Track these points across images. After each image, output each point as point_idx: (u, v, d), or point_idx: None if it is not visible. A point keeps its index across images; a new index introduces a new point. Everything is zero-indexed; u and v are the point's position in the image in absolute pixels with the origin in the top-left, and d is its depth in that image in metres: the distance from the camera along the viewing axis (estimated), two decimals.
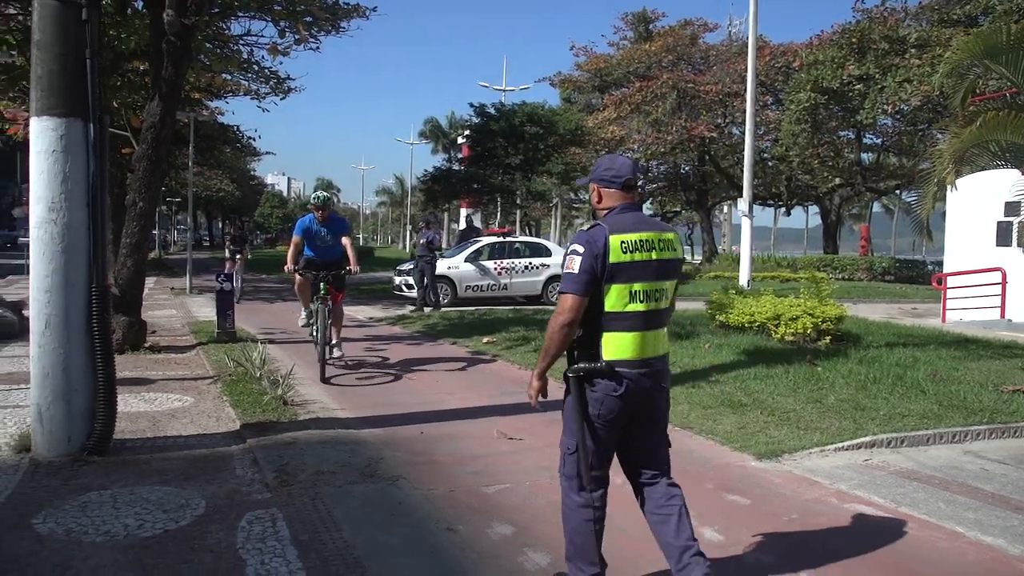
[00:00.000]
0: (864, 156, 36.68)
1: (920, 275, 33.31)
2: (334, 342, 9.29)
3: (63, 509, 4.47)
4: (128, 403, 6.89)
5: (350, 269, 9.17)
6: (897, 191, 50.81)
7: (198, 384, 8.27)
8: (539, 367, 3.45)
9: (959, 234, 17.80)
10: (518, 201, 28.44)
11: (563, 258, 3.41)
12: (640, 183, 3.58)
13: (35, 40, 5.48)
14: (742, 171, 41.57)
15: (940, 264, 36.10)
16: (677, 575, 3.39)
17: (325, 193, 9.42)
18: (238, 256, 20.08)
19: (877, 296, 24.04)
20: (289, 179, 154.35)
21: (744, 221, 24.72)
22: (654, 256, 3.34)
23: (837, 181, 36.85)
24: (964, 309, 16.16)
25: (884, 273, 33.00)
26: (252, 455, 5.63)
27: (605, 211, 3.45)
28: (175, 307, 17.11)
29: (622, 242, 3.28)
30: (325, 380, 8.51)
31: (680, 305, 16.24)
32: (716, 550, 4.22)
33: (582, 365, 3.32)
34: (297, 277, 9.29)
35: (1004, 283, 16.20)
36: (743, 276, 24.55)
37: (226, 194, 60.06)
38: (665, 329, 3.49)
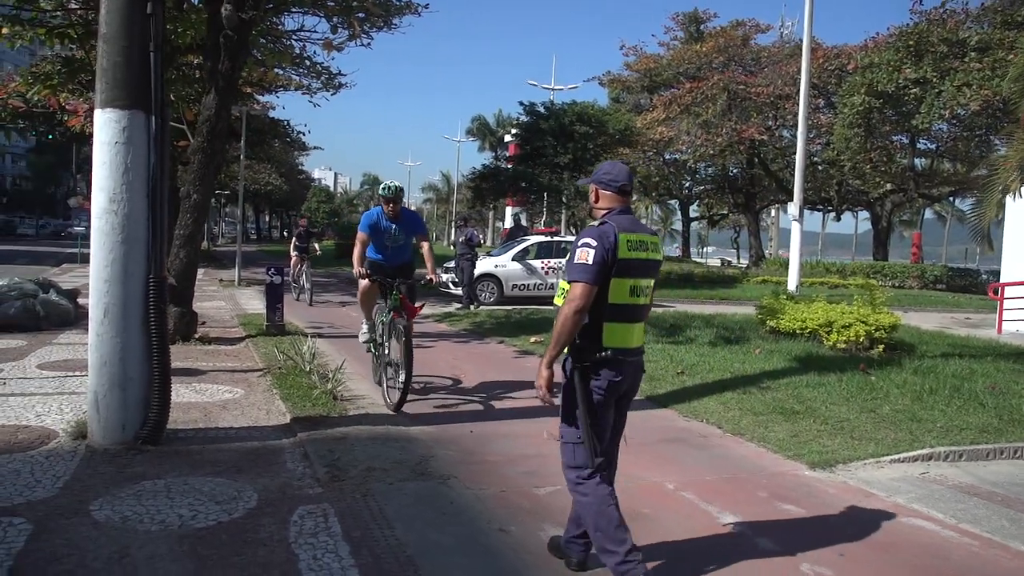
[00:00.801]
0: (917, 161, 35.92)
1: (973, 284, 32.60)
2: (400, 379, 7.03)
3: (119, 497, 4.51)
4: (180, 393, 6.96)
5: (430, 279, 7.65)
6: (950, 198, 49.93)
7: (248, 376, 8.33)
8: (548, 356, 3.62)
9: (1018, 243, 17.36)
10: (564, 200, 28.32)
11: (572, 251, 3.62)
12: (629, 187, 3.83)
13: (101, 33, 5.55)
14: (792, 175, 41.05)
15: (995, 274, 35.33)
16: (566, 539, 3.91)
17: (397, 183, 7.68)
18: (304, 255, 18.44)
19: (929, 304, 23.56)
20: (336, 174, 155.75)
21: (794, 225, 24.35)
22: (646, 256, 3.68)
23: (888, 186, 36.19)
24: (1022, 321, 15.74)
25: (936, 281, 32.36)
26: (303, 449, 5.65)
27: (603, 211, 3.77)
28: (224, 299, 17.34)
29: (627, 240, 3.58)
30: (398, 409, 6.93)
31: (728, 309, 16.12)
32: (772, 563, 4.14)
33: (586, 355, 3.60)
34: (363, 282, 7.73)
35: None
36: (792, 281, 24.19)
37: (274, 188, 60.71)
38: (643, 323, 3.85)
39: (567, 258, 3.72)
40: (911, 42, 26.69)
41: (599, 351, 3.59)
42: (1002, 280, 17.56)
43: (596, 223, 3.67)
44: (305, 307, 16.32)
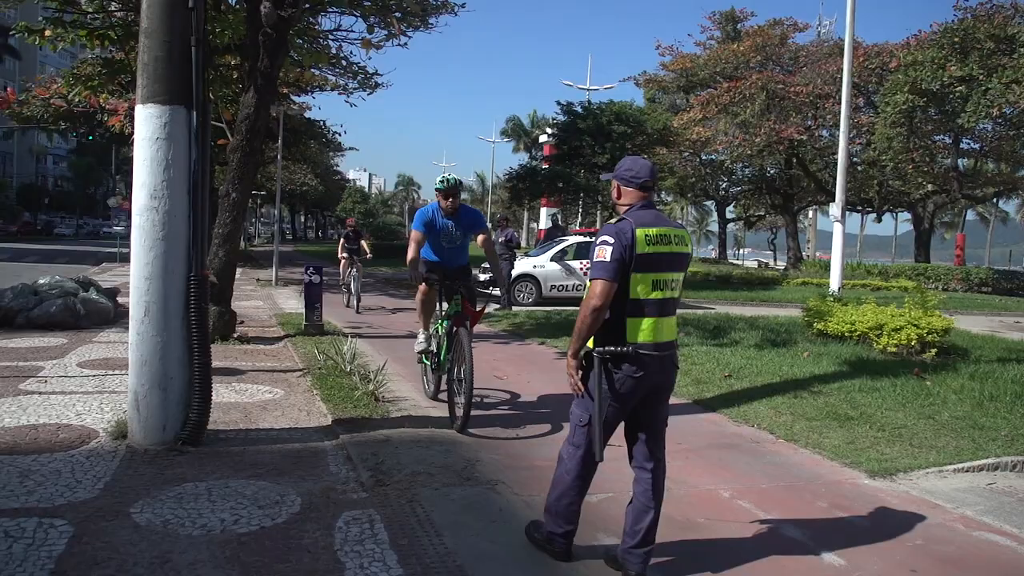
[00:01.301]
0: (960, 162, 35.11)
1: (1020, 287, 31.84)
2: (460, 403, 6.29)
3: (160, 499, 4.40)
4: (220, 393, 6.86)
5: (492, 290, 7.01)
6: (994, 199, 48.87)
7: (287, 376, 8.23)
8: (572, 348, 3.71)
9: None
10: (601, 200, 28.07)
11: (592, 248, 3.64)
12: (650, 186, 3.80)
13: (143, 28, 5.46)
14: (831, 175, 40.53)
15: None
16: (623, 549, 3.78)
17: (455, 176, 7.00)
18: (355, 256, 17.07)
19: (975, 308, 22.97)
20: (370, 175, 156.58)
21: (836, 227, 23.78)
22: (671, 249, 3.65)
23: (930, 187, 35.45)
24: None
25: (981, 284, 31.66)
26: (345, 452, 5.51)
27: (624, 207, 3.76)
28: (261, 298, 17.35)
29: (646, 235, 3.58)
30: (463, 429, 6.19)
31: (770, 311, 15.79)
32: None
33: (610, 348, 3.60)
34: (421, 287, 7.01)
35: None
36: (834, 283, 23.62)
37: (310, 188, 61.04)
38: (675, 317, 3.79)
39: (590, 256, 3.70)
40: (956, 39, 26.00)
41: (621, 346, 3.59)
42: None
43: (614, 220, 3.70)
44: (349, 311, 15.82)
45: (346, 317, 14.07)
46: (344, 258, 17.46)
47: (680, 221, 70.05)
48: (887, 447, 6.34)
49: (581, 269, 18.67)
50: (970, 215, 70.24)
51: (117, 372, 7.73)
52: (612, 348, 3.60)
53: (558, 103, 27.78)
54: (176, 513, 4.21)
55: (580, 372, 3.71)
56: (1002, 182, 38.09)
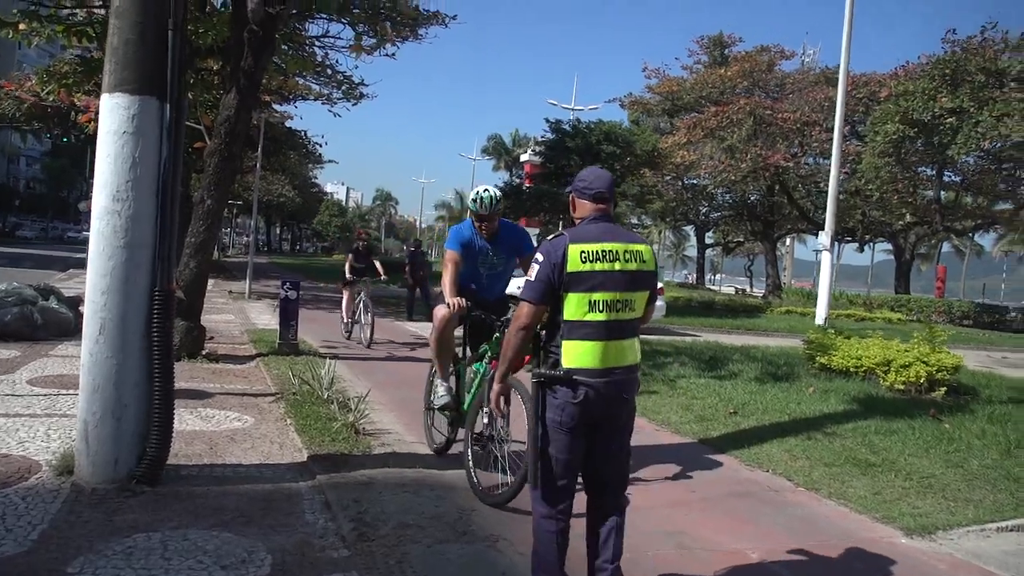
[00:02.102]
0: (941, 194, 35.06)
1: (1000, 321, 31.73)
2: (504, 482, 4.92)
3: (105, 555, 3.72)
4: (183, 420, 6.19)
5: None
6: (972, 233, 48.98)
7: (259, 401, 7.54)
8: (499, 372, 3.62)
9: None
10: None
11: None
12: (610, 197, 3.56)
13: (113, 7, 4.85)
14: (813, 203, 40.41)
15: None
16: None
17: (496, 191, 5.73)
18: (368, 280, 13.24)
19: (962, 342, 22.60)
20: (348, 188, 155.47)
21: (824, 256, 23.49)
22: (617, 267, 3.34)
23: (909, 218, 35.41)
24: None
25: (963, 317, 31.52)
26: (324, 496, 4.83)
27: (578, 220, 3.52)
28: (233, 312, 16.59)
29: (582, 252, 3.30)
30: (493, 503, 4.88)
31: (759, 340, 15.22)
32: None
33: (543, 371, 3.36)
34: (441, 312, 5.48)
35: None
36: (820, 313, 23.28)
37: (287, 199, 60.19)
38: (633, 340, 3.47)
39: None
40: (947, 71, 25.95)
41: (556, 370, 3.34)
42: None
43: (551, 236, 3.48)
44: (316, 322, 15.14)
45: (320, 333, 13.26)
46: (351, 281, 13.47)
47: (656, 246, 69.76)
48: (918, 499, 5.78)
49: None
50: (945, 247, 70.59)
51: (71, 391, 7.00)
52: (545, 371, 3.35)
53: (546, 120, 27.37)
54: (123, 575, 3.54)
55: (505, 398, 3.56)
56: (981, 216, 38.20)
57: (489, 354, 5.38)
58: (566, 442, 3.33)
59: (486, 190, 5.69)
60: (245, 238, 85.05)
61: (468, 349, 5.88)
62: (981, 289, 77.61)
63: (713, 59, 47.43)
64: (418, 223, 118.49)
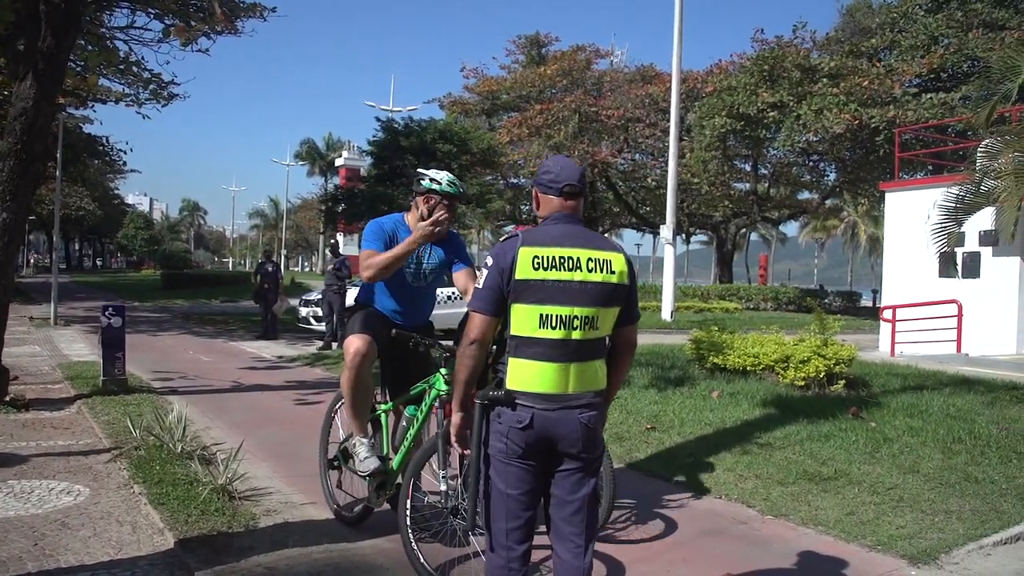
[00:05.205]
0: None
1: (821, 305, 33.27)
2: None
3: None
4: None
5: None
6: (781, 221, 51.79)
7: (91, 462, 5.96)
8: (455, 398, 3.00)
9: (896, 268, 17.40)
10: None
11: None
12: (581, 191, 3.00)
13: None
14: (636, 199, 41.31)
15: (847, 295, 36.47)
16: None
17: (450, 176, 4.41)
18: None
19: (799, 327, 23.11)
20: (151, 200, 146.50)
21: (667, 249, 23.59)
22: (577, 277, 2.84)
23: (729, 208, 36.76)
24: (907, 343, 15.51)
25: (789, 303, 32.82)
26: None
27: (542, 219, 3.03)
28: (39, 342, 14.26)
29: (534, 257, 2.84)
30: None
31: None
32: None
33: (486, 391, 2.88)
34: (355, 346, 4.27)
35: (960, 316, 15.53)
36: (666, 308, 23.37)
37: (87, 213, 55.25)
38: (594, 363, 2.92)
39: None
40: (766, 67, 26.77)
41: (499, 391, 2.86)
42: (884, 302, 17.52)
43: (504, 237, 2.99)
44: (140, 349, 13.13)
45: (146, 364, 11.43)
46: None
47: (475, 246, 69.61)
48: (896, 517, 5.16)
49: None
50: (753, 236, 74.51)
51: None
52: (488, 392, 2.86)
53: (377, 119, 26.07)
54: None
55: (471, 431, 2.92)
56: (789, 205, 40.36)
57: (436, 392, 4.12)
58: (514, 474, 2.85)
59: (442, 173, 4.39)
60: (35, 255, 78.18)
61: (388, 390, 4.62)
62: (787, 274, 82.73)
63: (530, 58, 47.47)
64: (228, 233, 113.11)
